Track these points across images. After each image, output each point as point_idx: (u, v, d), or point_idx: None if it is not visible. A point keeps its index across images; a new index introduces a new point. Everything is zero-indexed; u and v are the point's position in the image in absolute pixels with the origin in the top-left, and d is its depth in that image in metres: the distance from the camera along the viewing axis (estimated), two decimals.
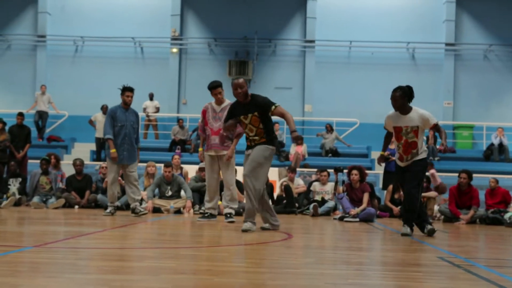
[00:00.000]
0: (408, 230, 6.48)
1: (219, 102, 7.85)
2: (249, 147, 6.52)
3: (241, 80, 6.42)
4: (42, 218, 8.15)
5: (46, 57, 19.98)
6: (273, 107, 6.37)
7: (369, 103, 19.59)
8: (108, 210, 8.65)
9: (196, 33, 20.49)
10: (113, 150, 8.48)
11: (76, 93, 19.54)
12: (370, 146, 17.23)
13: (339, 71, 19.90)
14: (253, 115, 6.36)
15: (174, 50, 20.17)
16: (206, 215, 8.02)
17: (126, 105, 8.69)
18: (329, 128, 17.12)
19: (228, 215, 7.85)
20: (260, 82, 19.80)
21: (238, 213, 9.69)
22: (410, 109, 6.39)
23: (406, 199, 6.39)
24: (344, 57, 20.11)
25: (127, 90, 8.68)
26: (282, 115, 6.36)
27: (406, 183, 6.35)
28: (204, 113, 7.90)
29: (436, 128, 6.39)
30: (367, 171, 10.17)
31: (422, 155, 6.42)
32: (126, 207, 10.34)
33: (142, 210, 8.59)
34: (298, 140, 6.47)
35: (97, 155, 15.97)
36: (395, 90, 6.40)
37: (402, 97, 6.31)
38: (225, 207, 7.96)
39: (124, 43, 20.28)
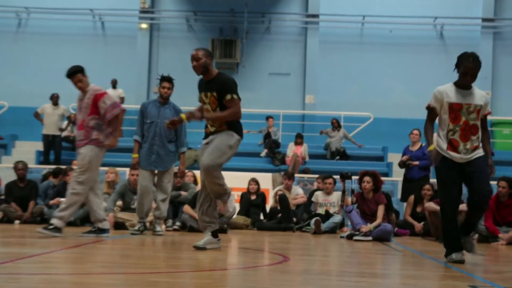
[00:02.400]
0: (460, 256, 6.05)
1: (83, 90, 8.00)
2: (207, 134, 6.69)
3: (199, 52, 6.58)
4: None
5: None
6: (229, 96, 6.51)
7: (386, 94, 19.65)
8: (136, 228, 8.81)
9: (170, 5, 20.46)
10: (134, 155, 8.79)
11: (19, 79, 19.43)
12: (386, 146, 17.28)
13: (348, 54, 19.94)
14: (212, 94, 6.58)
15: (143, 25, 20.13)
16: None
17: (162, 98, 8.80)
18: (336, 124, 17.14)
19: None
20: (250, 67, 19.81)
21: (221, 229, 9.68)
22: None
23: (478, 202, 5.90)
24: (356, 36, 20.16)
25: (164, 80, 8.81)
26: (228, 108, 6.51)
27: (475, 181, 5.84)
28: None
29: (485, 120, 6.05)
30: (383, 178, 10.18)
31: (481, 150, 5.99)
32: (80, 222, 10.29)
33: (159, 231, 8.76)
34: (174, 123, 6.63)
35: (44, 157, 15.92)
36: (472, 57, 5.90)
37: (479, 67, 5.95)
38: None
39: (80, 16, 20.20)
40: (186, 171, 10.93)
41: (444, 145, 5.96)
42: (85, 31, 20.16)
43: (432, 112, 6.10)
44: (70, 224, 10.07)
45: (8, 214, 10.64)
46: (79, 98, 8.00)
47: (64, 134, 16.34)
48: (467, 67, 5.93)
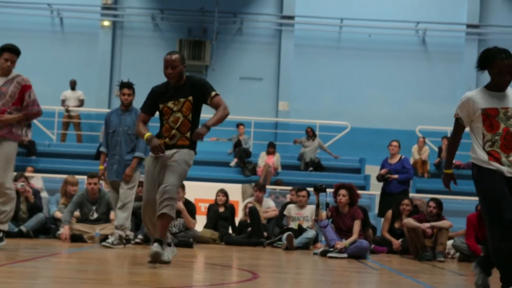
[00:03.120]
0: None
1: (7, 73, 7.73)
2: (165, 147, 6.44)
3: (174, 56, 6.43)
4: None
5: None
6: (214, 93, 6.45)
7: (364, 102, 19.81)
8: (110, 240, 8.77)
9: (135, 2, 20.41)
10: (99, 167, 8.99)
11: None
12: (363, 158, 17.39)
13: (325, 59, 20.08)
14: (187, 99, 6.41)
15: (106, 23, 20.04)
16: None
17: (123, 105, 8.87)
18: (311, 133, 17.20)
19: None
20: (220, 70, 19.83)
21: (186, 244, 9.65)
22: None
23: None
24: (333, 40, 20.30)
25: (123, 87, 8.85)
26: (218, 106, 6.42)
27: None
28: None
29: None
30: (360, 192, 10.24)
31: None
32: (34, 233, 10.19)
33: (107, 242, 8.69)
34: (198, 137, 6.35)
35: None
36: (504, 53, 5.17)
37: None
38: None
39: (37, 11, 20.04)
40: None
41: (485, 156, 5.16)
42: (42, 27, 20.01)
43: (458, 124, 5.34)
44: (23, 236, 9.98)
45: None
46: None
47: None
48: (503, 65, 5.15)
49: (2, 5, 19.71)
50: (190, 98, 6.40)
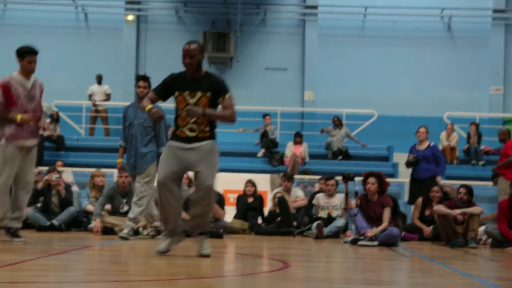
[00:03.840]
0: None
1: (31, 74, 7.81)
2: (183, 139, 6.37)
3: (193, 45, 6.35)
4: None
5: None
6: (229, 94, 6.39)
7: (390, 90, 19.68)
8: (125, 231, 8.84)
9: None
10: (117, 160, 9.09)
11: None
12: (391, 146, 17.30)
13: (350, 47, 19.97)
14: (204, 95, 6.33)
15: (130, 17, 20.11)
16: None
17: (139, 98, 8.88)
18: (338, 123, 17.15)
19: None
20: (245, 61, 19.81)
21: (216, 234, 9.68)
22: None
23: None
24: (357, 29, 20.18)
25: (139, 79, 8.94)
26: (227, 108, 6.35)
27: None
28: (7, 88, 7.70)
29: None
30: (389, 180, 10.19)
31: None
32: (66, 227, 10.29)
33: (123, 234, 8.75)
34: (189, 114, 6.25)
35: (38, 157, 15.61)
36: None
37: None
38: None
39: (62, 7, 20.16)
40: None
41: None
42: (67, 23, 20.13)
43: None
44: (55, 229, 10.08)
45: None
46: (20, 84, 7.68)
47: (47, 133, 16.29)
48: None
49: (28, 3, 19.86)
50: (209, 94, 6.33)
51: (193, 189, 7.27)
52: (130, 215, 8.87)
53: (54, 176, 10.64)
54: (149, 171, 8.80)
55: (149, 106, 6.33)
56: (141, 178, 8.79)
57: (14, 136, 7.62)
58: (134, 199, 8.84)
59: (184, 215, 9.31)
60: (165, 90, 6.44)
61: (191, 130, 6.34)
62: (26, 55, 7.76)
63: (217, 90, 6.35)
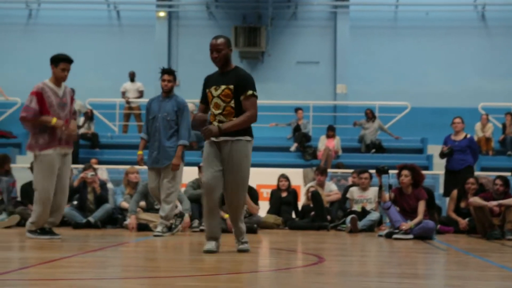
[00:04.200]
0: None
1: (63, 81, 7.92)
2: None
3: (220, 40, 6.41)
4: None
5: None
6: (251, 92, 6.36)
7: (424, 81, 19.53)
8: (159, 229, 8.89)
9: None
10: (138, 152, 9.05)
11: (30, 74, 19.63)
12: (425, 138, 17.19)
13: (382, 39, 19.85)
14: (227, 87, 6.37)
15: (162, 14, 20.23)
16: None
17: (163, 91, 8.95)
18: (370, 115, 17.08)
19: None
20: (276, 55, 19.81)
21: (250, 229, 9.71)
22: None
23: None
24: (389, 20, 20.05)
25: (164, 73, 8.93)
26: (246, 109, 6.33)
27: None
28: (40, 95, 7.77)
29: None
30: (423, 172, 10.12)
31: None
32: (101, 224, 10.40)
33: (158, 231, 8.83)
34: (206, 134, 6.23)
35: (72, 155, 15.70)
36: None
37: None
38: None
39: (94, 5, 20.36)
40: None
41: None
42: (99, 21, 20.33)
43: None
44: (91, 226, 10.21)
45: (25, 217, 10.72)
46: (52, 91, 7.78)
47: (81, 131, 16.48)
48: None
49: (61, 2, 20.09)
50: (231, 86, 6.35)
51: None
52: (161, 213, 8.92)
53: (89, 173, 10.76)
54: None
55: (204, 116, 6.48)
56: (166, 174, 8.81)
57: (47, 145, 7.71)
58: (162, 196, 8.86)
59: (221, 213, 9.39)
60: (205, 94, 6.55)
61: (220, 122, 6.37)
62: (60, 62, 7.85)
63: (240, 85, 6.36)
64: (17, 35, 20.24)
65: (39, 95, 7.71)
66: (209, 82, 6.53)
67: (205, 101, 6.56)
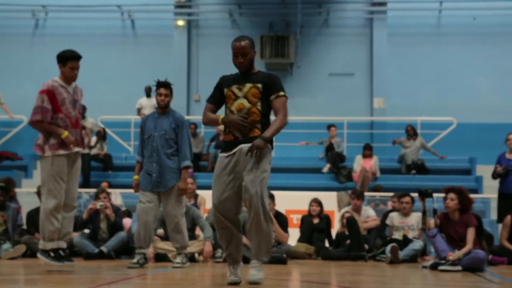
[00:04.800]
0: None
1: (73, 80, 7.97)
2: (231, 143, 6.28)
3: (244, 42, 6.28)
4: None
5: None
6: (282, 93, 6.29)
7: (472, 93, 19.44)
8: (134, 260, 8.81)
9: None
10: (134, 177, 8.99)
11: (38, 89, 19.87)
12: (474, 157, 17.11)
13: (424, 47, 19.82)
14: (254, 85, 6.27)
15: (180, 23, 20.40)
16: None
17: (159, 107, 8.96)
18: (412, 132, 17.04)
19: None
20: (306, 67, 19.85)
21: (280, 260, 9.70)
22: None
23: None
24: (431, 26, 20.03)
25: (159, 87, 8.93)
26: (278, 110, 6.23)
27: None
28: (51, 93, 7.83)
29: None
30: (472, 195, 10.04)
31: None
32: (115, 254, 10.44)
33: (178, 263, 8.88)
34: (255, 150, 6.08)
35: (84, 178, 15.86)
36: None
37: None
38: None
39: (107, 14, 20.57)
40: None
41: None
42: (112, 31, 20.54)
43: None
44: (104, 256, 10.25)
45: (32, 247, 10.82)
46: (63, 88, 7.83)
47: (94, 151, 16.58)
48: None
49: (70, 10, 20.33)
50: (259, 85, 6.27)
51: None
52: (176, 245, 8.93)
53: (98, 203, 10.78)
54: (176, 189, 8.85)
55: (221, 117, 6.35)
56: (169, 198, 8.78)
57: (60, 145, 7.77)
58: (171, 226, 8.84)
59: (245, 240, 9.37)
60: (218, 94, 6.45)
61: (240, 131, 6.27)
62: (69, 60, 7.90)
63: (269, 84, 6.27)
64: (22, 47, 20.51)
65: (50, 93, 7.78)
66: (227, 81, 6.39)
67: (215, 101, 6.45)
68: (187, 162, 8.85)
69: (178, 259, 8.91)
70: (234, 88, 6.31)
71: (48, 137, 7.80)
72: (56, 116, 7.76)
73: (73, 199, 7.97)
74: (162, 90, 8.88)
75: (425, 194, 9.73)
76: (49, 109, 7.73)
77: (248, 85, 6.28)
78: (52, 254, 7.83)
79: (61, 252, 7.90)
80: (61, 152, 7.76)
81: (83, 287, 6.32)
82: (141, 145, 9.00)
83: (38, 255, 7.94)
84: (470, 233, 9.30)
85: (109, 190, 13.62)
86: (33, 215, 11.37)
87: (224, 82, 6.40)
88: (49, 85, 7.82)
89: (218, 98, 6.46)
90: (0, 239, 11.15)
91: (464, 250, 9.14)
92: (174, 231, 8.84)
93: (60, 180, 7.73)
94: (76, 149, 7.90)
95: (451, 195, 9.46)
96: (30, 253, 10.82)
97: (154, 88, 9.01)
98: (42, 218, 7.81)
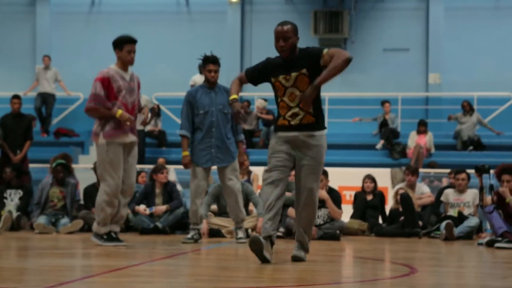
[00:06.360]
0: None
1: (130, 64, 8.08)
2: (286, 127, 6.35)
3: (287, 26, 6.33)
4: (51, 247, 8.46)
5: (49, 16, 20.69)
6: (325, 50, 6.26)
7: None
8: (189, 236, 8.90)
9: None
10: (185, 153, 8.81)
11: (94, 66, 20.01)
12: None
13: (482, 21, 19.46)
14: (300, 73, 6.28)
15: (234, 0, 20.36)
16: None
17: (209, 83, 8.91)
18: (468, 108, 16.84)
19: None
20: (361, 42, 19.67)
21: (333, 236, 9.72)
22: None
23: None
24: (489, 0, 19.64)
25: (208, 62, 8.89)
26: (332, 57, 6.18)
27: None
28: (107, 81, 7.90)
29: None
30: None
31: None
32: (170, 229, 10.58)
33: (241, 238, 8.94)
34: (305, 102, 6.14)
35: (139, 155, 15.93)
36: None
37: None
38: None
39: None
40: None
41: None
42: (166, 9, 20.60)
43: None
44: (159, 232, 10.39)
45: (89, 221, 11.03)
46: (119, 76, 7.94)
47: (148, 128, 16.74)
48: None
49: None
50: (304, 70, 6.27)
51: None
52: (237, 219, 9.02)
53: (147, 210, 10.91)
54: (236, 164, 8.88)
55: (234, 96, 6.45)
56: (230, 173, 8.82)
57: (114, 133, 7.88)
58: (231, 200, 8.88)
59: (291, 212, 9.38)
60: (258, 74, 6.53)
61: (293, 116, 6.33)
62: (125, 44, 7.99)
63: (312, 60, 6.28)
64: (78, 25, 20.71)
65: (106, 80, 7.88)
66: (273, 69, 6.41)
67: (252, 77, 6.56)
68: (242, 136, 8.93)
69: (240, 234, 8.96)
70: (281, 79, 6.35)
71: (103, 124, 7.91)
72: (113, 103, 7.88)
73: (131, 186, 8.11)
74: (212, 66, 8.89)
75: (482, 170, 9.65)
76: (102, 96, 7.84)
77: (294, 74, 6.30)
78: (105, 237, 8.01)
79: (113, 234, 8.06)
80: (116, 140, 7.87)
81: (138, 261, 6.43)
82: (188, 120, 8.89)
83: (92, 238, 8.11)
84: None
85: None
86: (90, 190, 11.57)
87: (271, 68, 6.44)
88: (104, 73, 7.94)
89: (255, 75, 6.56)
90: (59, 214, 11.40)
91: None
92: (235, 205, 8.89)
93: (116, 167, 7.85)
94: (130, 138, 8.00)
95: (506, 176, 9.33)
96: (88, 227, 11.03)
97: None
98: (97, 203, 7.99)
